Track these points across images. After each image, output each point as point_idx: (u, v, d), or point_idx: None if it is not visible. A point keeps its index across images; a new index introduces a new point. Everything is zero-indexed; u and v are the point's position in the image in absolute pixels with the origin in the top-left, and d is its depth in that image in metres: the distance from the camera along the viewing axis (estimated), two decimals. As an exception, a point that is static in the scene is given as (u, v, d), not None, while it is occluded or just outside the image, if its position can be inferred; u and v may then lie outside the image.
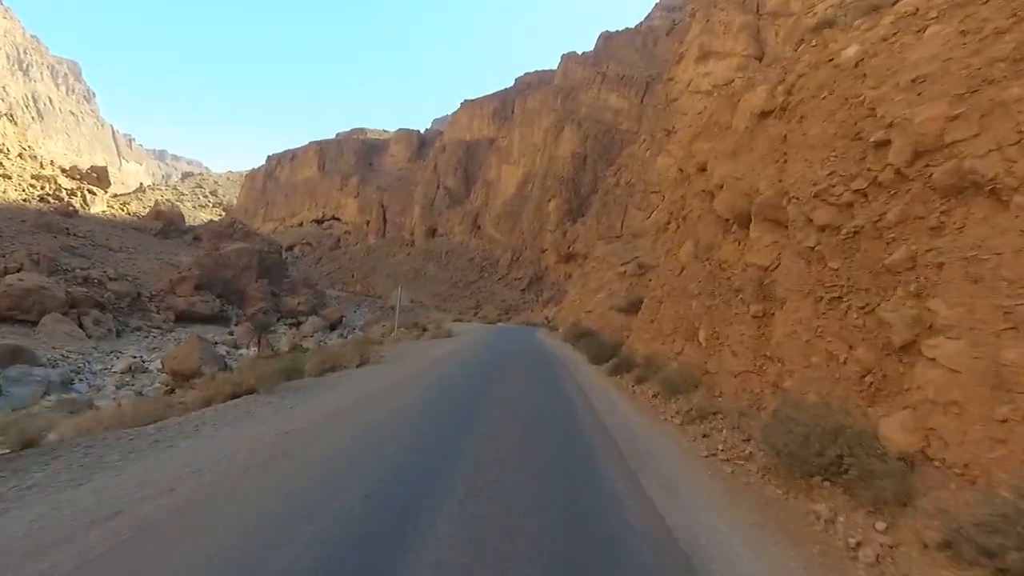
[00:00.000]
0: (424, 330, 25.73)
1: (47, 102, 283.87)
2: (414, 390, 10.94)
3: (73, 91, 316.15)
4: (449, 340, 25.48)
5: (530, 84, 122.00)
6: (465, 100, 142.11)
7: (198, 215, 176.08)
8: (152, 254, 59.95)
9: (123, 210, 75.43)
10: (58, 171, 68.60)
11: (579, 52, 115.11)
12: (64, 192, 65.23)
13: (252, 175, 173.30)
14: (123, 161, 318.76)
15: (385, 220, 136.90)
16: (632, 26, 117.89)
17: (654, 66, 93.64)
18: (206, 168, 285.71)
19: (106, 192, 73.27)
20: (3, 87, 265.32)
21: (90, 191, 69.19)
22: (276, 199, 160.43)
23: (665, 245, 16.13)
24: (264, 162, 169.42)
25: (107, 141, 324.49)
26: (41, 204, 59.51)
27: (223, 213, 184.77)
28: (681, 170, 15.00)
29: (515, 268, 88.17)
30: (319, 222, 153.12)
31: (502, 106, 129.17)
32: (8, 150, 64.61)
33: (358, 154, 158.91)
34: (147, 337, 42.09)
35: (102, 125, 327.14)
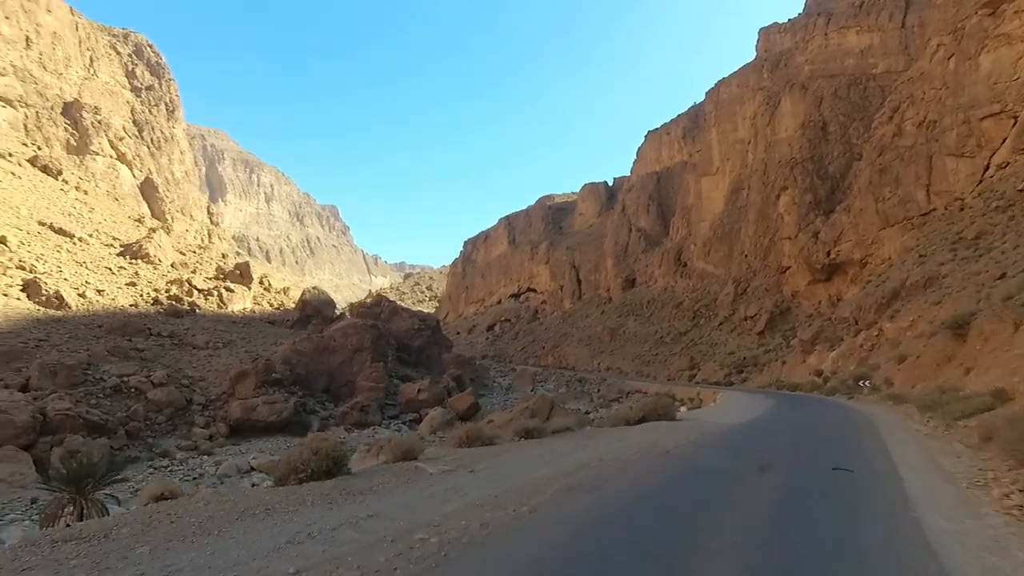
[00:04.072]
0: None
1: (316, 241, 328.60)
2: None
3: (333, 229, 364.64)
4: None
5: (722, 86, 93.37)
6: (650, 131, 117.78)
7: (418, 309, 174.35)
8: (246, 348, 45.06)
9: (271, 305, 64.79)
10: (196, 275, 60.08)
11: (781, 22, 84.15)
12: (197, 293, 55.74)
13: (454, 263, 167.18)
14: (372, 277, 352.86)
15: (579, 281, 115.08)
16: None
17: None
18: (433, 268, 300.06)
19: (249, 289, 63.08)
20: (288, 236, 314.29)
21: (227, 289, 59.27)
22: (475, 281, 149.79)
23: None
24: (461, 248, 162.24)
25: (360, 263, 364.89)
26: (154, 307, 49.78)
27: (438, 304, 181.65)
28: None
29: (742, 304, 57.97)
30: (516, 296, 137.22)
31: (692, 124, 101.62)
32: (160, 261, 58.38)
33: (546, 220, 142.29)
34: (154, 472, 24.78)
35: (355, 251, 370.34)
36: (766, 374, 45.20)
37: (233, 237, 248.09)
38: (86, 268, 52.44)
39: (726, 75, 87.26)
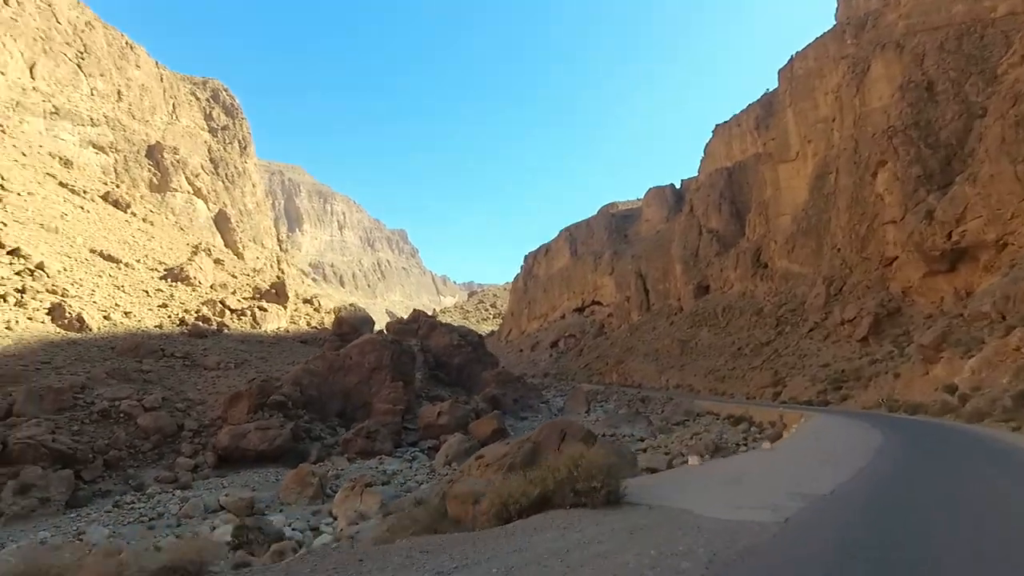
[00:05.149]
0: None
1: (387, 264, 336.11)
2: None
3: (403, 252, 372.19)
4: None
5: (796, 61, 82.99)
6: (718, 124, 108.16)
7: (481, 328, 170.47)
8: (259, 368, 41.54)
9: (309, 325, 62.01)
10: (234, 295, 58.41)
11: (864, -13, 73.23)
12: (229, 314, 53.62)
13: (516, 279, 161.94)
14: (441, 297, 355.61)
15: (647, 291, 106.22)
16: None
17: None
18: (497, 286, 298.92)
19: (285, 308, 60.43)
20: (360, 260, 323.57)
21: (261, 308, 56.82)
22: (537, 296, 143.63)
23: None
24: (522, 262, 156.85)
25: (429, 284, 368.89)
26: (179, 328, 47.93)
27: (501, 321, 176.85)
28: None
29: (837, 307, 48.37)
30: (580, 310, 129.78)
31: (766, 112, 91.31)
32: (200, 283, 57.51)
33: (609, 228, 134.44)
34: (114, 510, 21.47)
35: (424, 273, 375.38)
36: (873, 390, 35.90)
37: (309, 264, 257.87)
38: (122, 291, 51.62)
39: (800, 48, 77.18)
